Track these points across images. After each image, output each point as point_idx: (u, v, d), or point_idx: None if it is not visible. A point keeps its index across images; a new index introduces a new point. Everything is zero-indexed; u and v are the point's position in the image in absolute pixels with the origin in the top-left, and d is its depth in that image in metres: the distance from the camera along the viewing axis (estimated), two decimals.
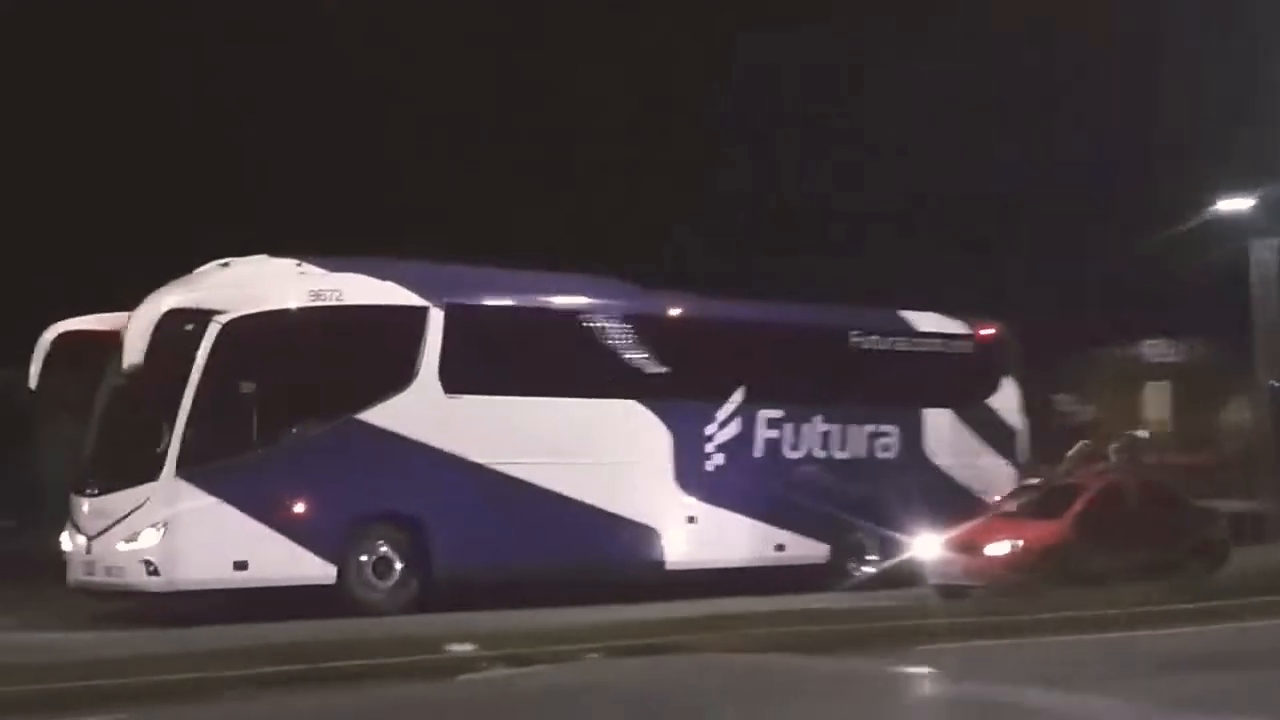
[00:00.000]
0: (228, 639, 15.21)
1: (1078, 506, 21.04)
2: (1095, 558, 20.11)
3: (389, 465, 19.20)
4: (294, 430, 18.90)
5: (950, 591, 20.45)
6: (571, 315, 21.23)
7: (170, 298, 18.28)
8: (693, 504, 21.64)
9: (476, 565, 19.68)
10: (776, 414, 22.63)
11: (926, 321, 24.75)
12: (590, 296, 21.54)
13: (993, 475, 24.37)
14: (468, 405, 19.88)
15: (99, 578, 18.53)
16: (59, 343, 19.01)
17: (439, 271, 20.59)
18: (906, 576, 21.43)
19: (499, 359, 20.44)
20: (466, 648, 14.68)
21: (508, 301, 20.81)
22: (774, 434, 22.61)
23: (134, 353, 17.59)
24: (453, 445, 19.72)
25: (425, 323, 19.73)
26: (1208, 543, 21.82)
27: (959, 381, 24.69)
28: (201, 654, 14.19)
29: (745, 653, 15.40)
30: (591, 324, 21.32)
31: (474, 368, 20.05)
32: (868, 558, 22.98)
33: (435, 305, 19.84)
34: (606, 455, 20.94)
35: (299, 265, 19.45)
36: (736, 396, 22.25)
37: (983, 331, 25.18)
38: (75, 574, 18.88)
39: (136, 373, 17.71)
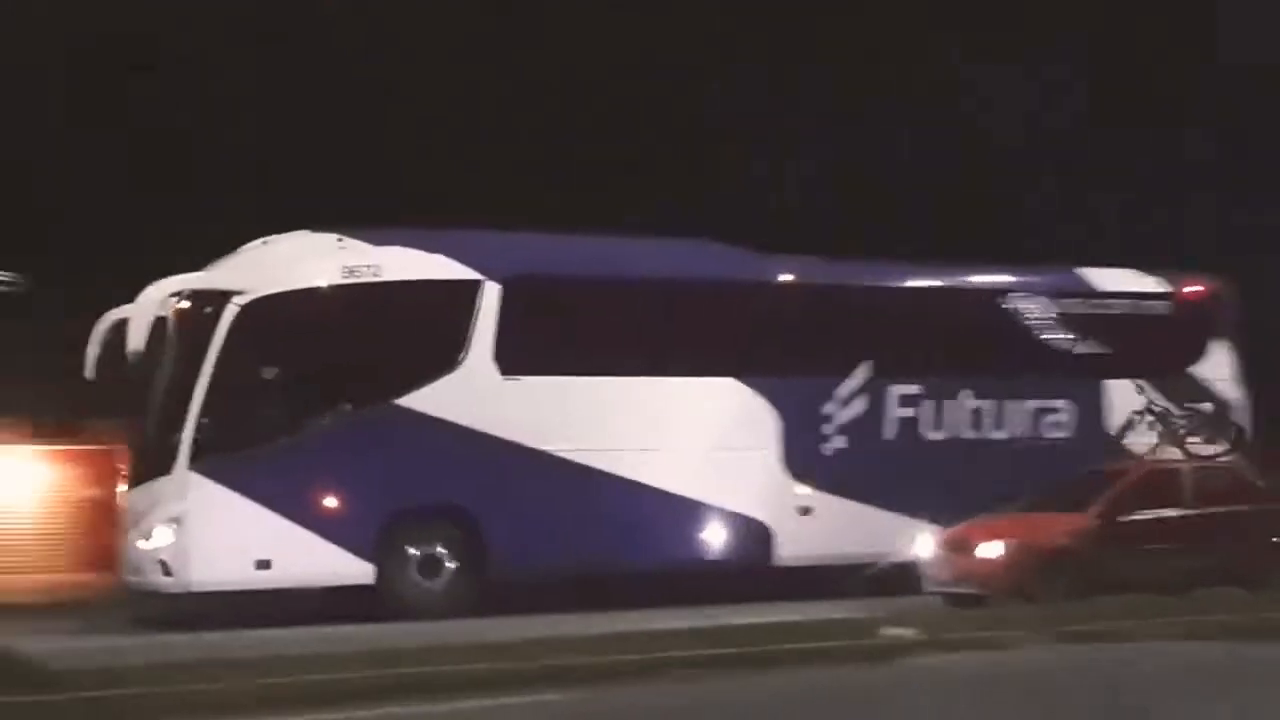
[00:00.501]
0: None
1: (1107, 498, 17.48)
2: (1128, 562, 16.78)
3: (435, 454, 17.58)
4: (325, 419, 17.49)
5: (958, 600, 17.23)
6: (654, 284, 19.13)
7: (177, 280, 17.13)
8: (807, 492, 19.27)
9: (539, 563, 17.90)
10: (912, 390, 20.01)
11: (1110, 280, 21.56)
12: (674, 263, 19.41)
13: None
14: (525, 388, 18.10)
15: (132, 577, 17.59)
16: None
17: (497, 241, 18.85)
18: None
19: (566, 337, 18.56)
20: (904, 632, 14.20)
21: (576, 272, 18.85)
22: (908, 412, 19.99)
23: (136, 339, 16.51)
24: (508, 431, 17.97)
25: (478, 298, 18.04)
26: None
27: (1152, 347, 21.44)
28: (627, 637, 13.89)
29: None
30: (679, 293, 19.19)
31: (536, 347, 18.26)
32: None
33: (492, 279, 18.13)
34: (699, 440, 18.80)
35: (340, 240, 18.02)
36: (861, 371, 19.74)
37: (1187, 289, 21.80)
38: (123, 573, 18.02)
39: (141, 359, 16.61)
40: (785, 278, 19.75)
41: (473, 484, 17.67)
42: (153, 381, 17.56)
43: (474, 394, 17.87)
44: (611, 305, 18.87)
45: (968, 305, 20.76)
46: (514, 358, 18.03)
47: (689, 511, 18.69)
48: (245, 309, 16.93)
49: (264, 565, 16.91)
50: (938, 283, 20.78)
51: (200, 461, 16.78)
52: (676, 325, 19.14)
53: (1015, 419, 20.51)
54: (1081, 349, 21.10)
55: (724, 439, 18.91)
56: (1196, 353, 21.53)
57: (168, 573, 16.84)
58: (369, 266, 17.72)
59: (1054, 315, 20.94)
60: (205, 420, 16.79)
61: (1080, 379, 20.90)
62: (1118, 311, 21.36)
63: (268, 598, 17.26)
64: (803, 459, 19.28)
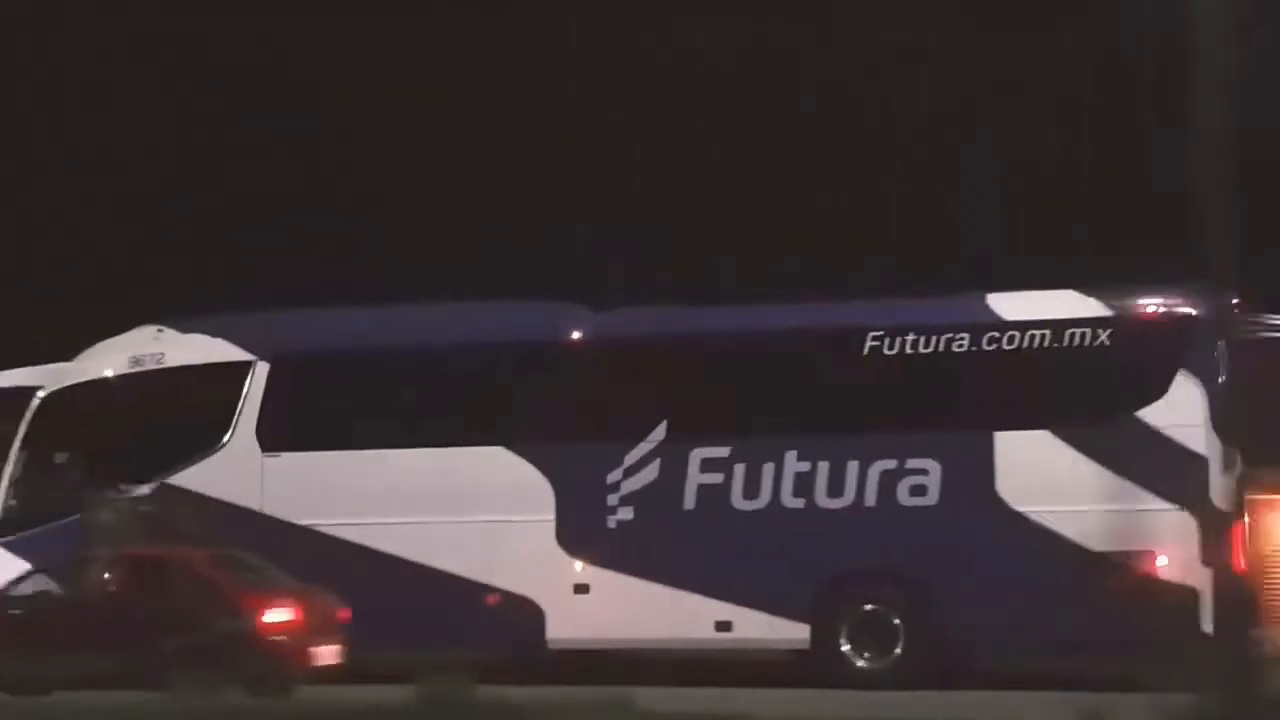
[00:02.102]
0: None
1: None
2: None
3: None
4: (100, 498, 19.04)
5: None
6: (414, 351, 18.52)
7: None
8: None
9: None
10: (718, 453, 17.45)
11: (1025, 305, 17.20)
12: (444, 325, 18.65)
13: (1143, 526, 16.33)
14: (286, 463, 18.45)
15: None
16: None
17: (269, 321, 19.26)
18: None
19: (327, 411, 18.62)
20: None
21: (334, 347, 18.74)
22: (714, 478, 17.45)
23: None
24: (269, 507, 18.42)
25: (246, 378, 18.69)
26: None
27: (1082, 387, 16.85)
28: None
29: None
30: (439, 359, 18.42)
31: (293, 424, 18.55)
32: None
33: (261, 359, 18.71)
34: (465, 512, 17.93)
35: (159, 331, 19.52)
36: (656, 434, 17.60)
37: (1139, 311, 16.85)
38: None
39: None
40: (559, 333, 18.17)
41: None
42: None
43: (232, 470, 18.59)
44: (370, 377, 18.61)
45: (801, 350, 17.63)
46: (269, 436, 18.51)
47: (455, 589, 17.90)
48: (43, 401, 19.12)
49: None
50: (760, 324, 17.84)
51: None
52: (437, 392, 18.44)
53: (861, 484, 17.13)
54: (971, 394, 17.14)
55: (491, 509, 17.88)
56: (1148, 392, 16.55)
57: None
58: (154, 355, 19.12)
59: (931, 354, 17.19)
60: (8, 500, 19.16)
61: (964, 432, 16.98)
62: (1032, 345, 17.00)
63: None
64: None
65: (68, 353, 20.20)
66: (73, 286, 27.68)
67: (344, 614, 16.48)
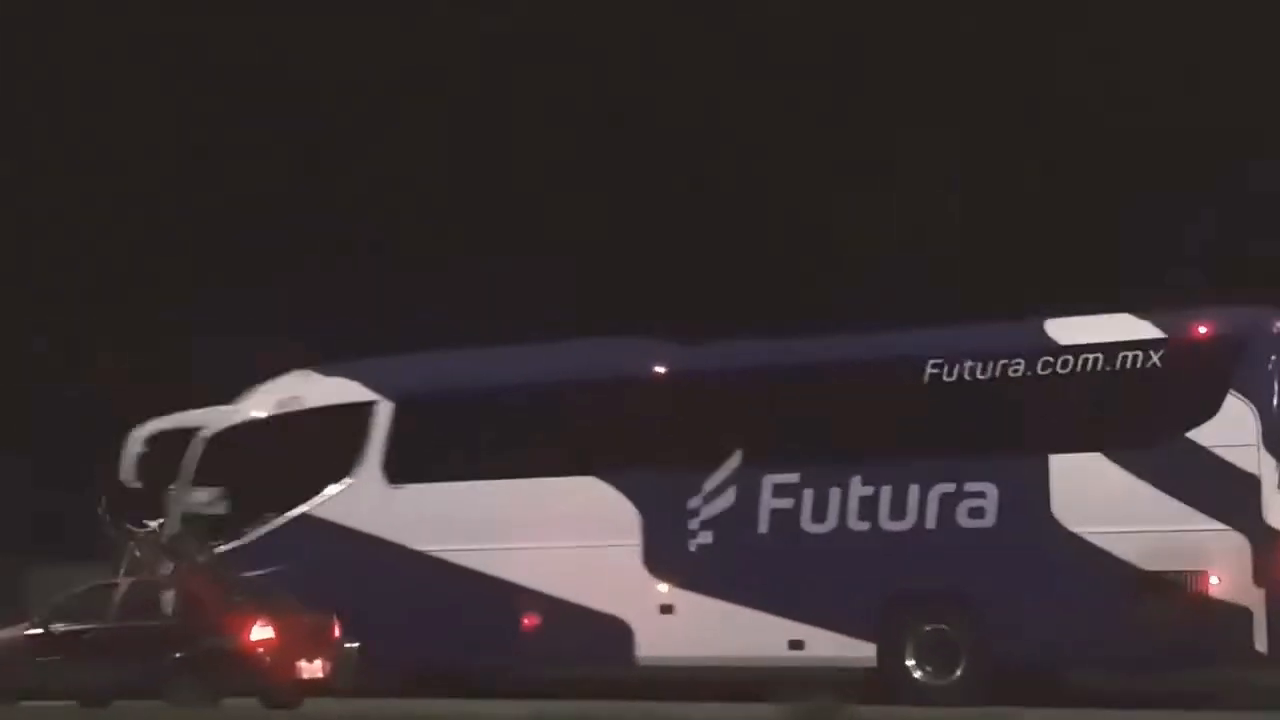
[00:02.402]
0: None
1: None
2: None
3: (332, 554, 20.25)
4: (253, 527, 20.92)
5: None
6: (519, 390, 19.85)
7: (158, 421, 21.64)
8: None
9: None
10: (789, 478, 18.24)
11: (1078, 330, 17.46)
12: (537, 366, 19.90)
13: (1195, 546, 16.49)
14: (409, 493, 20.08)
15: None
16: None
17: (393, 365, 20.88)
18: None
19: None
20: None
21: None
22: (785, 503, 18.24)
23: (127, 464, 21.37)
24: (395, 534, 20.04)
25: (372, 417, 20.36)
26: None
27: (1134, 410, 17.05)
28: None
29: None
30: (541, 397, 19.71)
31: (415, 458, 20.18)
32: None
33: (386, 399, 20.38)
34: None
35: (304, 375, 21.36)
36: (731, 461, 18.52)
37: (1191, 331, 16.97)
38: None
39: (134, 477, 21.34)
40: (640, 369, 19.21)
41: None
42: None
43: (365, 501, 20.27)
44: (479, 414, 20.03)
45: (867, 378, 18.24)
46: (398, 469, 20.15)
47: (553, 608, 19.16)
48: (206, 440, 21.19)
49: None
50: (819, 357, 18.51)
51: None
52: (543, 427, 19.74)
53: (921, 507, 17.66)
54: (1028, 418, 17.51)
55: (586, 535, 19.07)
56: (1200, 412, 16.66)
57: None
58: (295, 398, 20.98)
59: (989, 380, 17.63)
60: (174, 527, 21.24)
61: (1020, 455, 17.36)
62: (1085, 369, 17.26)
63: None
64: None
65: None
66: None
67: (336, 632, 18.28)
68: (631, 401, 19.28)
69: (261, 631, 17.63)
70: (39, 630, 18.73)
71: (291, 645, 17.59)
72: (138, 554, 19.98)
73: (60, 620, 18.64)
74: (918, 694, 17.40)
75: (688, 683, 18.71)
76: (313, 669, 17.58)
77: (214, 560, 19.95)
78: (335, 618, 18.38)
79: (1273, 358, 16.59)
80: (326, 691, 17.74)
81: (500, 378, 20.19)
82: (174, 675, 17.34)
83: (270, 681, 17.52)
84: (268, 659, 17.49)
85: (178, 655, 17.62)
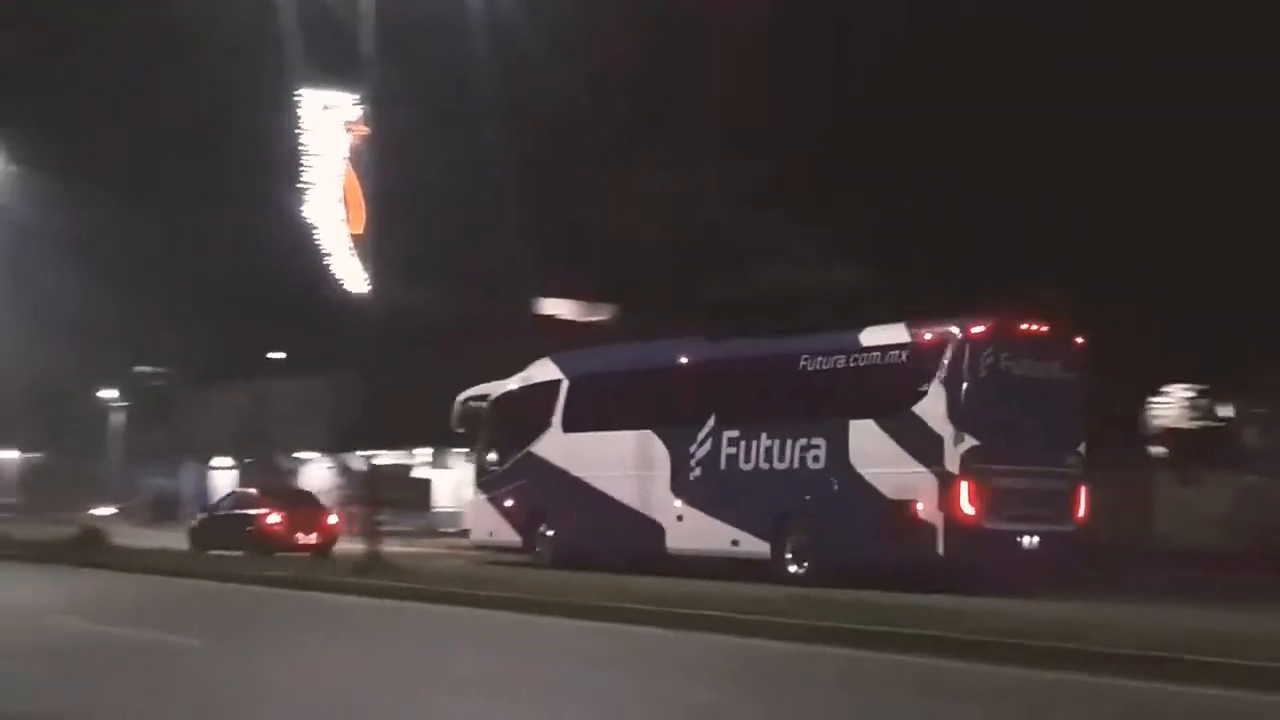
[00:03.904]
0: None
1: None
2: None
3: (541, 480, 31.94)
4: (513, 459, 32.88)
5: None
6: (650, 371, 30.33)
7: (473, 389, 34.11)
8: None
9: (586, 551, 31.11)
10: (734, 433, 27.74)
11: (874, 335, 25.71)
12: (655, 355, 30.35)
13: (914, 484, 24.68)
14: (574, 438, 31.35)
15: None
16: None
17: (572, 356, 31.88)
18: None
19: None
20: None
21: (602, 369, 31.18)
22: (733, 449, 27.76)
23: (453, 421, 34.24)
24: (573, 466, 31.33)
25: (559, 389, 31.74)
26: None
27: (887, 390, 25.26)
28: None
29: None
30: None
31: (577, 416, 31.34)
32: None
33: (565, 378, 31.68)
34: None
35: (540, 361, 33.08)
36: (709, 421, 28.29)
37: (920, 337, 24.89)
38: None
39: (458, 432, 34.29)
40: (670, 360, 29.16)
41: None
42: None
43: (555, 446, 31.72)
44: (602, 388, 30.76)
45: (771, 367, 27.23)
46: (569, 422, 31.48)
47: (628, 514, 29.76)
48: (491, 404, 33.56)
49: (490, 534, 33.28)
50: (753, 354, 27.66)
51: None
52: (627, 397, 30.23)
53: (791, 454, 26.57)
54: (840, 395, 25.99)
55: (644, 468, 29.47)
56: (919, 394, 24.60)
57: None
58: (527, 377, 32.77)
59: (829, 369, 26.22)
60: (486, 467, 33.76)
61: (836, 420, 25.87)
62: (871, 363, 25.54)
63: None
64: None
65: None
66: None
67: (329, 517, 33.27)
68: (663, 381, 29.43)
69: (273, 517, 32.83)
70: (211, 514, 35.33)
71: (291, 525, 32.39)
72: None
73: (219, 509, 34.98)
74: (790, 578, 26.35)
75: (692, 564, 28.60)
76: (307, 539, 31.93)
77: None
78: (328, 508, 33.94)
79: (958, 357, 24.19)
80: (319, 550, 32.06)
81: (608, 366, 31.01)
82: (245, 539, 31.90)
83: (280, 545, 31.41)
84: (279, 531, 32.45)
85: (247, 529, 32.50)
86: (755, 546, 27.16)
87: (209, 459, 72.59)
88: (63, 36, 56.95)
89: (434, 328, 47.71)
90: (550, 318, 50.27)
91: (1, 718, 12.36)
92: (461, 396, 34.74)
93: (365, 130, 32.20)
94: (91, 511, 57.26)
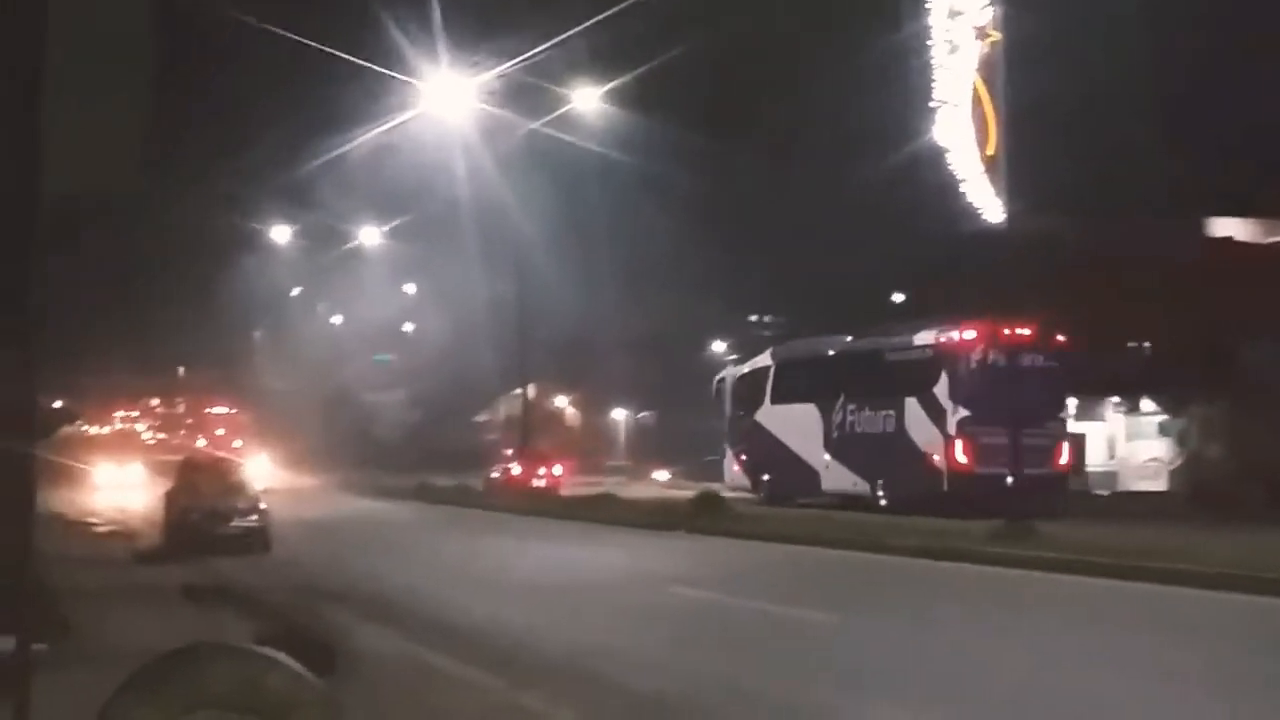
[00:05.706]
0: None
1: None
2: None
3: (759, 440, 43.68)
4: (746, 420, 44.67)
5: None
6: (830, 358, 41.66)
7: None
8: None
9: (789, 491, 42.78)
10: (852, 406, 38.77)
11: (917, 335, 36.21)
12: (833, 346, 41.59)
13: (933, 441, 35.30)
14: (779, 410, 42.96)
15: None
16: None
17: (780, 347, 43.34)
18: None
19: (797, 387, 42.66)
20: None
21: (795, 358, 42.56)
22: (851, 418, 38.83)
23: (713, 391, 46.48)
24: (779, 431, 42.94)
25: (770, 372, 43.41)
26: None
27: (917, 378, 35.84)
28: None
29: None
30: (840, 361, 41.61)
31: (781, 392, 42.92)
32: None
33: (774, 363, 43.30)
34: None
35: (770, 350, 44.79)
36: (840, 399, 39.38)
37: (939, 339, 35.31)
38: None
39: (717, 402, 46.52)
40: (822, 352, 40.29)
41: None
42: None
43: (768, 414, 43.36)
44: (792, 372, 42.17)
45: (865, 358, 38.08)
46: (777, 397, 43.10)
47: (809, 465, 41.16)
48: (732, 380, 45.60)
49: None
50: (866, 349, 38.52)
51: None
52: (800, 380, 41.54)
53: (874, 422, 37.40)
54: (900, 379, 36.61)
55: (812, 434, 40.76)
56: (937, 380, 35.09)
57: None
58: (753, 361, 44.60)
59: (899, 360, 36.91)
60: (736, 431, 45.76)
61: (898, 397, 36.54)
62: (916, 357, 36.09)
63: None
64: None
65: None
66: None
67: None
68: (818, 368, 40.66)
69: None
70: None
71: None
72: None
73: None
74: (880, 509, 37.04)
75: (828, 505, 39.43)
76: None
77: None
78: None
79: (956, 354, 34.47)
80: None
81: (796, 355, 42.46)
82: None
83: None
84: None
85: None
86: (862, 487, 38.09)
87: None
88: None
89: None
90: (1227, 240, 45.76)
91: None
92: (717, 376, 47.04)
93: (997, 36, 32.13)
94: (653, 475, 59.93)
